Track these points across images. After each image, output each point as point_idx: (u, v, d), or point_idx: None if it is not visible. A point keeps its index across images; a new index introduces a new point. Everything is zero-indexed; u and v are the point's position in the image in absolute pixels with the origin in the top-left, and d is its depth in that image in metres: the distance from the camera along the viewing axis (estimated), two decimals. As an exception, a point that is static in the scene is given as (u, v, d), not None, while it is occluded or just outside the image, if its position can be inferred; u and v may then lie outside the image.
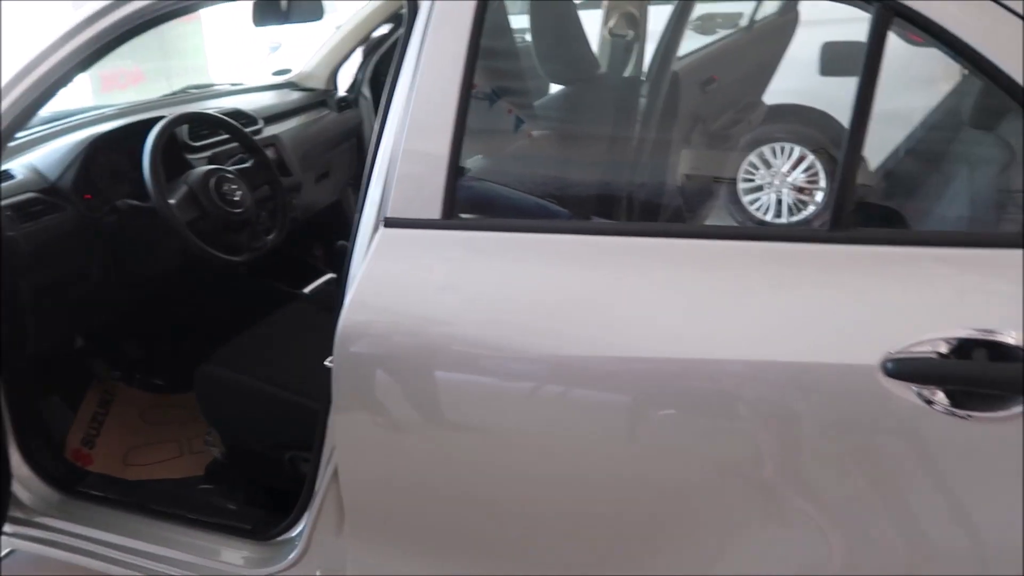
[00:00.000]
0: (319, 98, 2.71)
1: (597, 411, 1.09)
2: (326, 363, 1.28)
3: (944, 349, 0.89)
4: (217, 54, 6.09)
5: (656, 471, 1.08)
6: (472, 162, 1.52)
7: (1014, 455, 0.88)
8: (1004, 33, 0.92)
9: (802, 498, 1.01)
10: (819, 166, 3.81)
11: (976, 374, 0.89)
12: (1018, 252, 0.91)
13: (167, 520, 1.70)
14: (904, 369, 0.90)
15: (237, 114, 2.19)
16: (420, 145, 1.19)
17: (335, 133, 2.67)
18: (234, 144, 2.07)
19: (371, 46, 2.87)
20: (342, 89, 2.85)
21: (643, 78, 2.55)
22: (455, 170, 1.16)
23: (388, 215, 1.21)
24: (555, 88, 2.49)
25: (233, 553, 1.60)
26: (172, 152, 1.88)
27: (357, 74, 2.90)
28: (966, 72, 2.09)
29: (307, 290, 2.33)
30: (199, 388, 1.78)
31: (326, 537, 1.47)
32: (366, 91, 2.92)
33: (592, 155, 2.37)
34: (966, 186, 1.49)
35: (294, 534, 1.54)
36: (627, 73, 2.59)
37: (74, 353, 2.02)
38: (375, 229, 1.22)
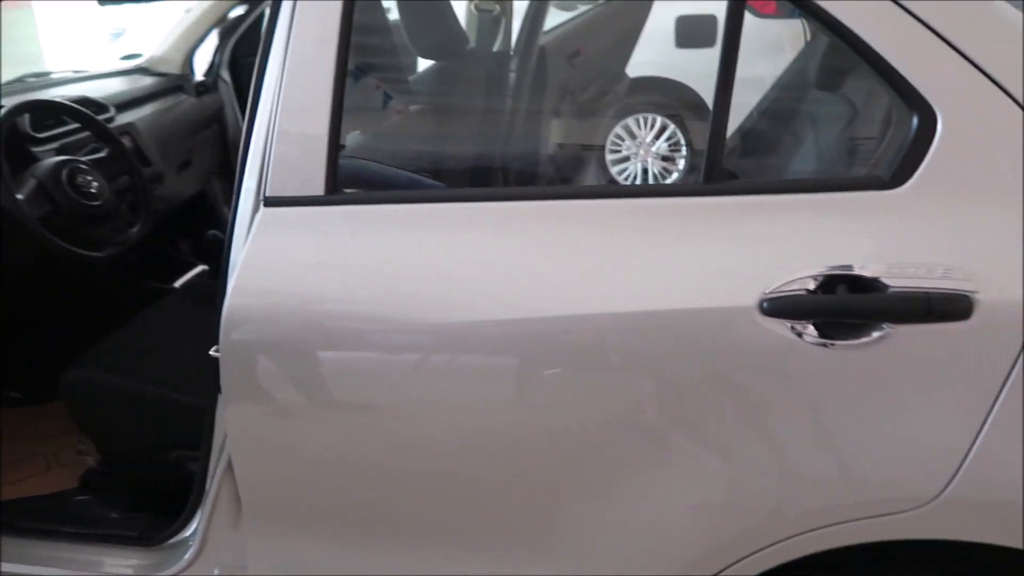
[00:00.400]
0: (175, 83, 2.56)
1: (487, 375, 1.11)
2: (211, 353, 1.23)
3: (812, 286, 0.97)
4: (53, 42, 5.63)
5: (551, 429, 1.11)
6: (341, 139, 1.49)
7: (876, 377, 0.97)
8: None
9: (691, 439, 1.06)
10: (680, 135, 3.99)
11: (840, 306, 0.97)
12: (869, 194, 0.99)
13: (44, 538, 1.59)
14: (778, 307, 0.97)
15: (85, 102, 2.03)
16: (297, 122, 1.16)
17: (195, 119, 2.54)
18: (85, 134, 1.93)
19: (228, 27, 2.74)
20: (199, 73, 2.71)
21: (512, 52, 2.57)
22: (336, 145, 1.14)
23: (268, 194, 1.17)
24: (424, 64, 2.48)
25: (121, 562, 1.52)
26: (14, 145, 1.73)
27: (214, 57, 2.77)
28: (808, 40, 2.24)
29: (177, 284, 2.22)
30: (67, 395, 1.66)
31: (222, 533, 1.42)
32: (225, 75, 2.80)
33: (465, 129, 2.38)
34: (818, 139, 1.61)
35: (187, 534, 1.48)
36: (496, 48, 2.61)
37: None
38: (255, 210, 1.18)
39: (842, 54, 1.76)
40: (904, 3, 0.99)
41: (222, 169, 2.81)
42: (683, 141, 3.94)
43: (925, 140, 0.97)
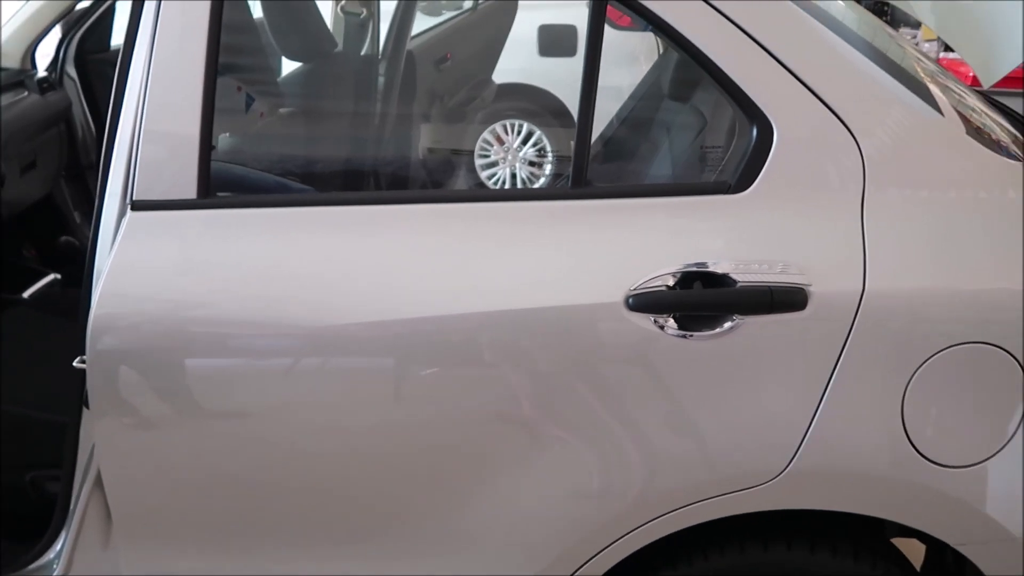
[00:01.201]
0: (14, 78, 2.38)
1: (359, 377, 1.14)
2: (76, 364, 1.19)
3: (671, 282, 1.06)
4: None
5: (422, 427, 1.15)
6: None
7: (728, 363, 1.08)
8: (697, 14, 1.09)
9: (561, 430, 1.13)
10: (545, 141, 4.13)
11: (696, 300, 1.07)
12: (717, 197, 1.10)
13: None
14: (642, 302, 1.06)
15: (-91, 96, 1.87)
16: (166, 122, 1.14)
17: (39, 118, 2.37)
18: (-88, 132, 1.78)
19: (72, 20, 2.58)
20: (41, 69, 2.54)
21: (380, 56, 2.58)
22: (208, 146, 1.13)
23: (136, 198, 1.14)
24: (289, 67, 2.44)
25: (-26, 593, 1.42)
26: None
27: (58, 51, 2.60)
28: (662, 52, 2.40)
29: (27, 294, 2.08)
30: (-96, 418, 1.53)
31: (90, 552, 1.36)
32: (71, 71, 2.63)
33: (333, 133, 2.37)
34: (672, 147, 1.74)
35: (51, 556, 1.40)
36: (364, 51, 2.61)
37: None
38: (121, 214, 1.15)
39: (690, 67, 1.91)
40: (742, 25, 1.10)
41: (70, 172, 2.64)
42: (548, 147, 4.09)
43: (764, 149, 1.08)
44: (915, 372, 1.05)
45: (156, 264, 1.14)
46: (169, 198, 1.14)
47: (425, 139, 2.65)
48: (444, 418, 1.14)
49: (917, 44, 3.84)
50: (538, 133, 4.12)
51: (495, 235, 1.11)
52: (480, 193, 1.43)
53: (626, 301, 1.06)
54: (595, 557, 1.16)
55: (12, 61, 2.43)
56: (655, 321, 1.06)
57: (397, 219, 1.14)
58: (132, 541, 1.27)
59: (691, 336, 1.06)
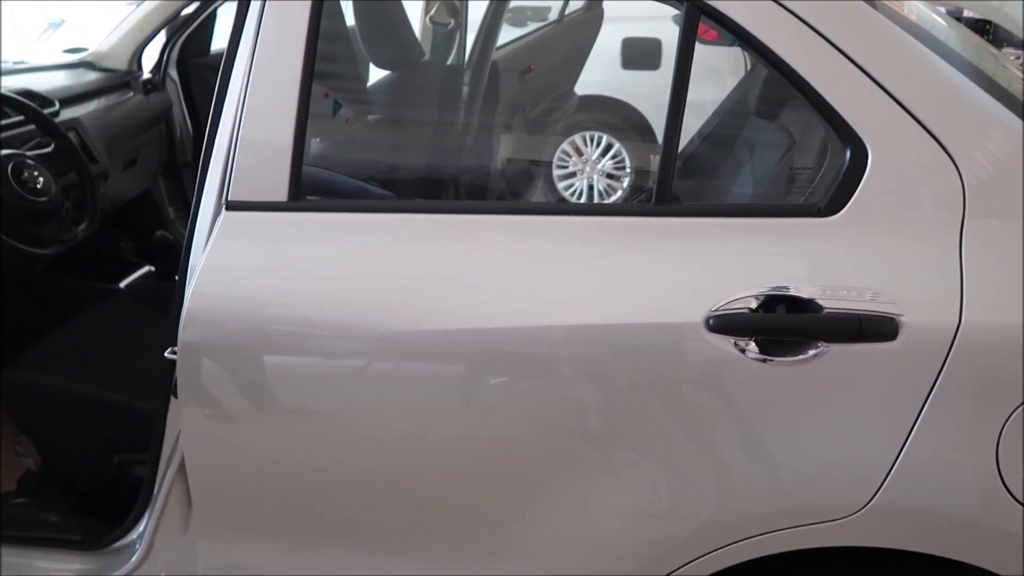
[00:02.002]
0: (121, 79, 2.52)
1: (438, 384, 1.15)
2: (167, 355, 1.24)
3: (753, 304, 1.04)
4: (-16, 29, 5.41)
5: (497, 436, 1.15)
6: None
7: (810, 391, 1.05)
8: (790, 31, 1.07)
9: (635, 448, 1.12)
10: (625, 154, 4.11)
11: (779, 324, 1.04)
12: (805, 220, 1.07)
13: None
14: (723, 323, 1.04)
15: (29, 94, 2.00)
16: (262, 127, 1.18)
17: (143, 118, 2.50)
18: (28, 128, 1.89)
19: (177, 25, 2.71)
20: (146, 71, 2.67)
21: (465, 66, 2.62)
22: (300, 151, 1.17)
23: (231, 198, 1.19)
24: (377, 75, 2.50)
25: (62, 567, 1.49)
26: (-47, 137, 1.69)
27: (162, 55, 2.73)
28: (749, 68, 2.35)
29: (123, 284, 2.18)
30: (7, 396, 1.63)
31: (170, 536, 1.42)
32: (173, 73, 2.77)
33: (416, 140, 2.42)
34: (757, 166, 1.70)
35: (133, 537, 1.46)
36: (450, 61, 2.65)
37: None
38: (216, 213, 1.20)
39: (780, 85, 1.86)
40: (837, 43, 1.07)
41: (168, 169, 2.77)
42: (627, 160, 4.06)
43: (857, 172, 1.05)
44: (1013, 412, 1.00)
45: (246, 263, 1.18)
46: (261, 199, 1.18)
47: (505, 149, 2.67)
48: (516, 430, 1.15)
49: (1022, 64, 3.66)
50: (617, 146, 4.10)
51: (576, 249, 1.11)
52: (563, 207, 1.42)
53: (707, 322, 1.04)
54: (662, 578, 1.15)
55: (120, 63, 2.57)
56: (736, 344, 1.04)
57: (480, 230, 1.15)
58: (209, 528, 1.32)
59: (772, 361, 1.03)
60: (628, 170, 3.99)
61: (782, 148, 1.59)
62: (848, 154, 1.06)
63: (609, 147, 4.01)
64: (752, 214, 1.11)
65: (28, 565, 1.51)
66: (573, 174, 3.99)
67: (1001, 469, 1.02)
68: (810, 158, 1.28)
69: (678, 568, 1.13)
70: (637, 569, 1.15)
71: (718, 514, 1.11)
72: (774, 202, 1.39)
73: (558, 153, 3.88)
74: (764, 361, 1.04)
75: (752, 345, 1.04)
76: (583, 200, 3.86)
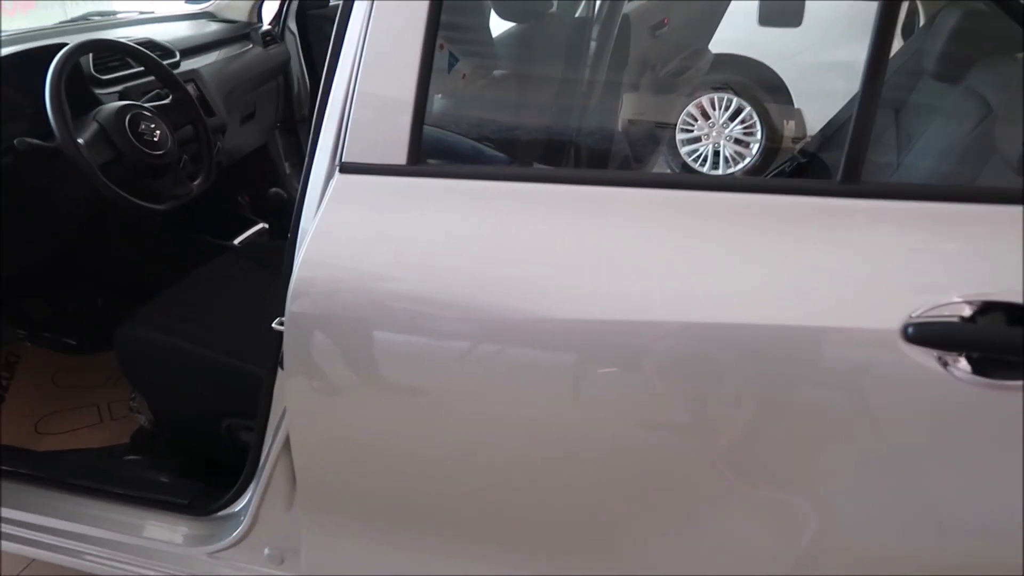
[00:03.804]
0: (241, 31, 2.47)
1: (579, 377, 1.01)
2: (274, 326, 1.15)
3: (967, 312, 0.84)
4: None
5: (643, 440, 1.01)
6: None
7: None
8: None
9: (802, 472, 0.95)
10: (756, 117, 3.80)
11: (1000, 340, 0.84)
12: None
13: (90, 496, 1.55)
14: (925, 334, 0.85)
15: (151, 44, 1.96)
16: (381, 83, 1.05)
17: (261, 70, 2.45)
18: (148, 79, 1.85)
19: (297, -25, 2.64)
20: (266, 22, 2.62)
21: (594, 19, 2.43)
22: (422, 110, 1.04)
23: (345, 160, 1.07)
24: (498, 28, 2.35)
25: (169, 530, 1.47)
26: (77, 85, 1.66)
27: (281, 6, 2.68)
28: (922, 23, 2.05)
29: (237, 241, 2.15)
30: (120, 351, 1.61)
31: (274, 512, 1.36)
32: (292, 25, 2.71)
33: (536, 99, 2.26)
34: (937, 138, 1.46)
35: (237, 508, 1.42)
36: (578, 13, 2.47)
37: (-30, 312, 1.81)
38: (329, 175, 1.09)
39: (971, 41, 1.57)
40: None
41: (285, 124, 2.73)
42: (759, 125, 3.77)
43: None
44: None
45: (360, 230, 1.07)
46: (378, 162, 1.06)
47: (635, 110, 2.48)
48: (655, 441, 1.00)
49: None
50: (748, 109, 3.80)
51: (742, 234, 0.93)
52: (725, 181, 1.23)
53: (904, 330, 0.85)
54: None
55: (241, 14, 2.52)
56: (940, 359, 0.85)
57: (628, 206, 0.99)
58: (312, 507, 1.25)
59: (987, 383, 0.84)
60: (758, 136, 3.70)
61: (973, 117, 1.35)
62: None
63: (739, 110, 3.72)
64: (968, 199, 0.89)
65: (135, 525, 1.49)
66: (697, 139, 3.74)
67: None
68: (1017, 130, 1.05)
69: None
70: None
71: (900, 550, 0.93)
72: (1000, 185, 1.16)
73: (682, 116, 3.63)
74: (978, 383, 0.84)
75: (962, 362, 0.84)
76: (706, 167, 3.61)
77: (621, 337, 0.96)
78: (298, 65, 2.72)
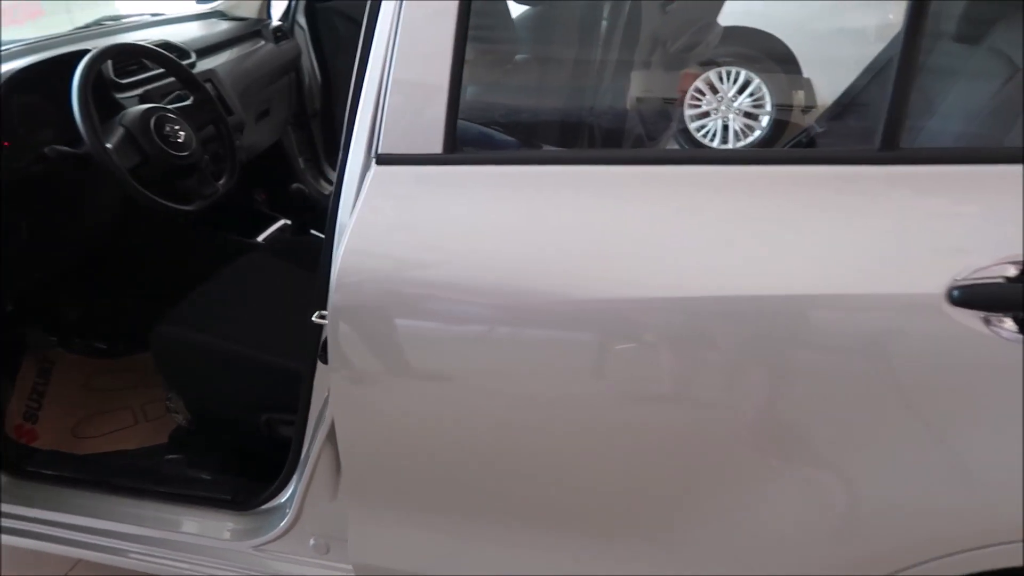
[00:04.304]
0: (252, 28, 2.48)
1: (624, 359, 1.02)
2: (314, 319, 1.17)
3: (1013, 272, 0.85)
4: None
5: (687, 419, 1.02)
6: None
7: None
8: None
9: (851, 441, 0.95)
10: (765, 89, 3.78)
11: (1048, 298, 0.85)
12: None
13: (133, 496, 1.58)
14: (971, 296, 0.85)
15: (168, 46, 1.96)
16: (415, 72, 1.06)
17: (274, 67, 2.45)
18: (167, 81, 1.86)
19: (304, -31, 2.64)
20: (275, 18, 2.62)
21: (604, -3, 2.42)
22: (456, 98, 1.04)
23: (381, 151, 1.08)
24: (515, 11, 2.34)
25: (215, 526, 1.49)
26: (99, 91, 1.67)
27: (290, 2, 2.67)
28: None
29: (260, 238, 2.17)
30: (157, 351, 1.63)
31: (319, 502, 1.38)
32: (301, 20, 2.71)
33: (548, 81, 2.26)
34: (960, 100, 1.46)
35: (282, 500, 1.44)
36: (589, -7, 2.45)
37: (4, 320, 1.83)
38: (366, 167, 1.10)
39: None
40: None
41: (297, 119, 2.73)
42: (768, 97, 3.75)
43: None
44: None
45: (399, 221, 1.07)
46: (415, 152, 1.07)
47: (643, 88, 2.47)
48: (710, 413, 1.01)
49: None
50: (756, 82, 3.78)
51: (783, 206, 0.94)
52: (762, 154, 1.24)
53: (949, 293, 0.86)
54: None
55: (251, 11, 2.52)
56: (986, 320, 0.85)
57: (661, 183, 1.00)
58: (358, 496, 1.27)
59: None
60: (768, 108, 3.68)
61: (999, 77, 1.34)
62: None
63: (747, 83, 3.70)
64: (1008, 160, 0.90)
65: (180, 522, 1.52)
66: (707, 113, 3.72)
67: None
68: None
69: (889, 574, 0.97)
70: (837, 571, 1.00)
71: (942, 518, 0.94)
72: (998, 144, 1.16)
73: (691, 91, 3.62)
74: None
75: (1009, 323, 0.85)
76: (716, 142, 3.59)
77: (666, 314, 0.97)
78: (308, 59, 2.72)
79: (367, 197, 1.08)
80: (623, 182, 1.01)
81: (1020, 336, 0.85)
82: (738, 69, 3.85)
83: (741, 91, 3.81)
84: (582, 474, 1.11)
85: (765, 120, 3.81)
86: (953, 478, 0.92)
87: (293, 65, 2.60)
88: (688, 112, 3.76)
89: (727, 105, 3.86)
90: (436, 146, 1.06)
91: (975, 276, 0.85)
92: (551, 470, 1.12)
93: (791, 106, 3.72)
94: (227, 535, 1.47)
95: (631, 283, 0.98)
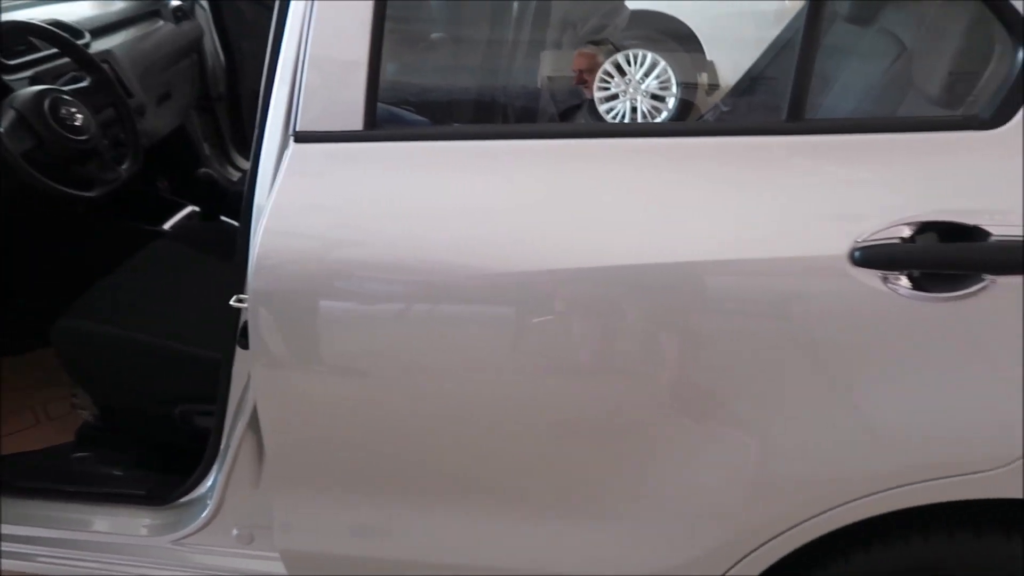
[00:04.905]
0: (149, 8, 2.36)
1: (535, 330, 1.04)
2: (233, 303, 1.14)
3: (907, 233, 0.91)
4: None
5: (599, 387, 1.05)
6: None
7: (971, 331, 0.92)
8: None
9: (757, 395, 1.00)
10: (670, 72, 3.88)
11: (937, 256, 0.91)
12: (966, 134, 0.93)
13: (40, 497, 1.50)
14: (871, 256, 0.91)
15: (59, 26, 1.86)
16: (332, 49, 1.04)
17: (174, 48, 2.35)
18: (61, 62, 1.76)
19: (204, -54, 2.54)
20: (174, -3, 2.51)
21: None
22: (376, 73, 1.03)
23: (299, 129, 1.06)
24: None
25: (130, 522, 1.44)
26: (-18, 73, 1.57)
27: (190, -21, 2.56)
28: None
29: (167, 226, 2.09)
30: (60, 346, 1.55)
31: (241, 491, 1.35)
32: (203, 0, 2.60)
33: (459, 61, 2.26)
34: (854, 78, 1.54)
35: (202, 492, 1.40)
36: (499, -25, 2.46)
37: None
38: (283, 146, 1.07)
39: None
40: None
41: (201, 103, 2.63)
42: (674, 79, 3.85)
43: (1029, 75, 0.90)
44: None
45: (320, 201, 1.06)
46: (334, 129, 1.05)
47: (552, 68, 2.51)
48: (621, 379, 1.04)
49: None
50: (663, 64, 3.88)
51: (694, 176, 0.98)
52: (678, 127, 1.28)
53: (851, 255, 0.91)
54: (776, 538, 1.05)
55: (149, -10, 2.40)
56: (885, 279, 0.91)
57: (582, 156, 1.02)
58: (283, 482, 1.25)
59: (927, 298, 0.91)
60: (674, 89, 3.78)
61: (888, 56, 1.43)
62: (1020, 55, 0.90)
63: (654, 65, 3.79)
64: (901, 128, 0.96)
65: (94, 522, 1.46)
66: (615, 96, 3.80)
67: None
68: (948, 64, 1.12)
69: (804, 521, 1.03)
70: (757, 525, 1.05)
71: (858, 462, 1.00)
72: (926, 115, 1.23)
73: (599, 74, 3.68)
74: (918, 298, 0.91)
75: (904, 280, 0.91)
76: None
77: (578, 284, 1.00)
78: (211, 41, 2.62)
79: (285, 176, 1.06)
80: (536, 157, 1.03)
81: (914, 292, 0.91)
82: (644, 52, 3.95)
83: (648, 74, 3.91)
84: (504, 447, 1.12)
85: (672, 102, 3.92)
86: (859, 428, 0.99)
87: (195, 47, 2.50)
88: (597, 95, 3.83)
89: (635, 88, 3.96)
90: (356, 123, 1.05)
91: (874, 238, 0.91)
92: (476, 444, 1.13)
93: (696, 86, 3.85)
94: (143, 531, 1.42)
95: (545, 256, 1.00)
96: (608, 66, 4.09)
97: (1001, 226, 0.89)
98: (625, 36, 3.81)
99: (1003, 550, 1.03)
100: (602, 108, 4.05)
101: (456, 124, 1.88)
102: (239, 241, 1.13)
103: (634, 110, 4.16)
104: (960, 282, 0.90)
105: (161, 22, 2.35)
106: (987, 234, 0.89)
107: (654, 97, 4.19)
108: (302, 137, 1.06)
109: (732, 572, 1.08)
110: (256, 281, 1.07)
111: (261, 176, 1.10)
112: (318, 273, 1.06)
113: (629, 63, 4.25)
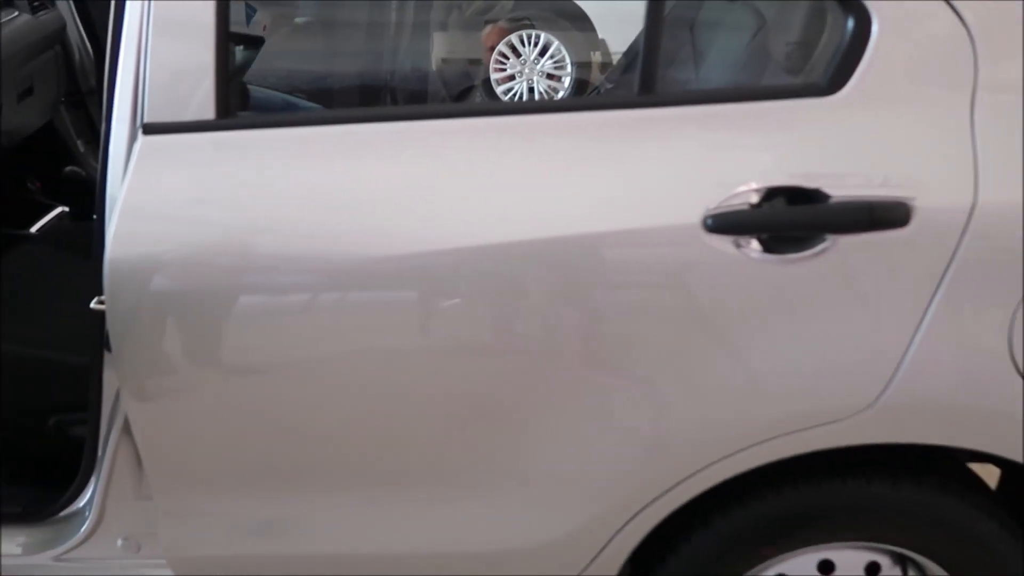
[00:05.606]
0: (2, -3, 2.22)
1: (400, 313, 1.04)
2: (93, 306, 1.09)
3: (755, 199, 0.94)
4: None
5: (473, 364, 1.06)
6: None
7: (818, 288, 0.97)
8: None
9: (629, 361, 1.03)
10: (564, 51, 3.91)
11: (783, 220, 0.95)
12: (805, 101, 0.97)
13: None
14: (723, 223, 0.94)
15: None
16: (176, 33, 1.00)
17: (33, 40, 2.21)
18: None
19: (61, -69, 2.39)
20: (31, -14, 2.36)
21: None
22: (226, 57, 1.00)
23: (147, 120, 1.02)
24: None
25: (6, 543, 1.37)
26: None
27: (48, -33, 2.42)
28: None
29: (35, 229, 1.98)
30: (-83, 361, 1.45)
31: (122, 501, 1.30)
32: (62, -13, 2.46)
33: (343, 46, 2.22)
34: (722, 50, 1.58)
35: (81, 504, 1.34)
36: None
37: None
38: (132, 139, 1.03)
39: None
40: None
41: (71, 98, 2.49)
42: (567, 57, 3.88)
43: (860, 44, 0.94)
44: (1028, 294, 0.94)
45: (174, 194, 1.02)
46: (184, 119, 1.01)
47: (441, 50, 2.49)
48: (496, 356, 1.05)
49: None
50: (556, 44, 3.90)
51: (550, 152, 0.99)
52: (533, 105, 1.29)
53: (704, 222, 0.94)
54: (664, 495, 1.08)
55: (-2, -23, 2.25)
56: (737, 244, 0.95)
57: (443, 137, 1.02)
58: (165, 487, 1.21)
59: (777, 259, 0.95)
60: (568, 69, 3.82)
61: (751, 28, 1.47)
62: (850, 24, 0.94)
63: (548, 45, 3.81)
64: (747, 98, 0.99)
65: (-34, 544, 1.37)
66: (512, 76, 3.80)
67: (1014, 354, 0.97)
68: (792, 35, 1.16)
69: (683, 480, 1.07)
70: (641, 487, 1.08)
71: (723, 422, 1.04)
72: (770, 84, 1.28)
73: (494, 56, 3.68)
74: (768, 260, 0.95)
75: (755, 244, 0.95)
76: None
77: (446, 266, 1.00)
78: (75, 31, 2.48)
79: (136, 170, 1.02)
80: (412, 138, 1.03)
81: (765, 255, 0.95)
82: (538, 32, 3.96)
83: (542, 54, 3.93)
84: (406, 431, 1.12)
85: (567, 81, 3.95)
86: (726, 387, 1.02)
87: (57, 38, 2.36)
88: (493, 76, 3.82)
89: (530, 68, 3.96)
90: (208, 111, 1.01)
91: (725, 205, 0.94)
92: (374, 430, 1.12)
93: (590, 64, 3.89)
94: (19, 550, 1.35)
95: (423, 238, 0.99)
96: (503, 47, 4.08)
97: (840, 188, 0.93)
98: (516, 16, 3.82)
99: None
100: (499, 89, 4.04)
101: (339, 109, 1.85)
102: (95, 239, 1.08)
103: (531, 90, 4.17)
104: (805, 243, 0.95)
105: (15, 12, 2.21)
106: (827, 196, 0.93)
107: (550, 77, 4.22)
108: (151, 129, 1.02)
109: (628, 527, 1.10)
110: (111, 281, 1.02)
111: (112, 172, 1.05)
112: (172, 269, 1.02)
113: (523, 43, 4.26)
